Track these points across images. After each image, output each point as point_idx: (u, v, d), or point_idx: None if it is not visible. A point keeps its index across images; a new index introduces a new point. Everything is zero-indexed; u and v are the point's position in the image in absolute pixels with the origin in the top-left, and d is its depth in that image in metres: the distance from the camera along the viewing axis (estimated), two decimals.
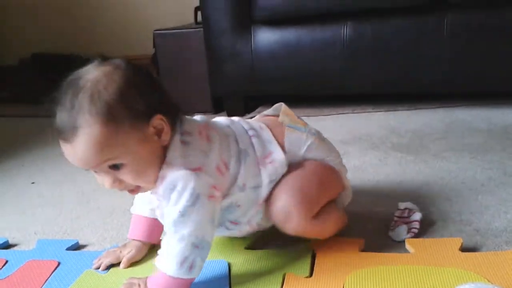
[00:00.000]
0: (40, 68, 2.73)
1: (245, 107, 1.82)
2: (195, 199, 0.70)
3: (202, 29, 1.78)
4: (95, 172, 0.71)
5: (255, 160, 0.79)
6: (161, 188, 0.71)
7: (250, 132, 0.81)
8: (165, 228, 0.74)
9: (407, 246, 0.83)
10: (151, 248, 0.88)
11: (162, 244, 0.73)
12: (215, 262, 0.82)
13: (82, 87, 0.67)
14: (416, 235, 0.86)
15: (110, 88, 0.67)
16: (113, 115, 0.66)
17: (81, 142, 0.66)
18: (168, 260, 0.71)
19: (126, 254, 0.85)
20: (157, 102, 0.71)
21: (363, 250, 0.83)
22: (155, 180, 0.72)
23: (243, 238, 0.89)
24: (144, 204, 0.86)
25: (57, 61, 2.70)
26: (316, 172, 0.82)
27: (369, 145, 1.38)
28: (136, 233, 0.87)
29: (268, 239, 0.90)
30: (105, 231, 1.01)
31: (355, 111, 1.72)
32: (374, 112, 1.69)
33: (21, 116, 2.12)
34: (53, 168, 1.44)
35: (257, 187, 0.78)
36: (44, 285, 0.81)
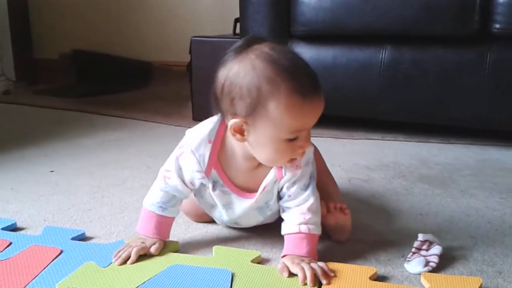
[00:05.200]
0: (79, 64, 2.79)
1: None
2: None
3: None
4: (298, 136, 0.81)
5: None
6: (303, 160, 0.86)
7: None
8: (297, 202, 0.85)
9: (423, 280, 0.78)
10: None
11: (305, 211, 0.84)
12: (218, 271, 0.79)
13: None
14: (434, 270, 0.81)
15: None
16: None
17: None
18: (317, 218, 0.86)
19: (153, 246, 0.85)
20: None
21: (375, 280, 0.79)
22: None
23: (250, 252, 0.86)
24: (158, 203, 0.87)
25: (96, 60, 2.75)
26: None
27: (395, 173, 1.33)
28: (149, 229, 0.87)
29: (276, 255, 0.87)
30: (113, 226, 1.00)
31: (385, 138, 1.67)
32: (405, 141, 1.64)
33: (51, 108, 2.15)
34: (74, 161, 1.44)
35: None
36: (44, 271, 0.79)
